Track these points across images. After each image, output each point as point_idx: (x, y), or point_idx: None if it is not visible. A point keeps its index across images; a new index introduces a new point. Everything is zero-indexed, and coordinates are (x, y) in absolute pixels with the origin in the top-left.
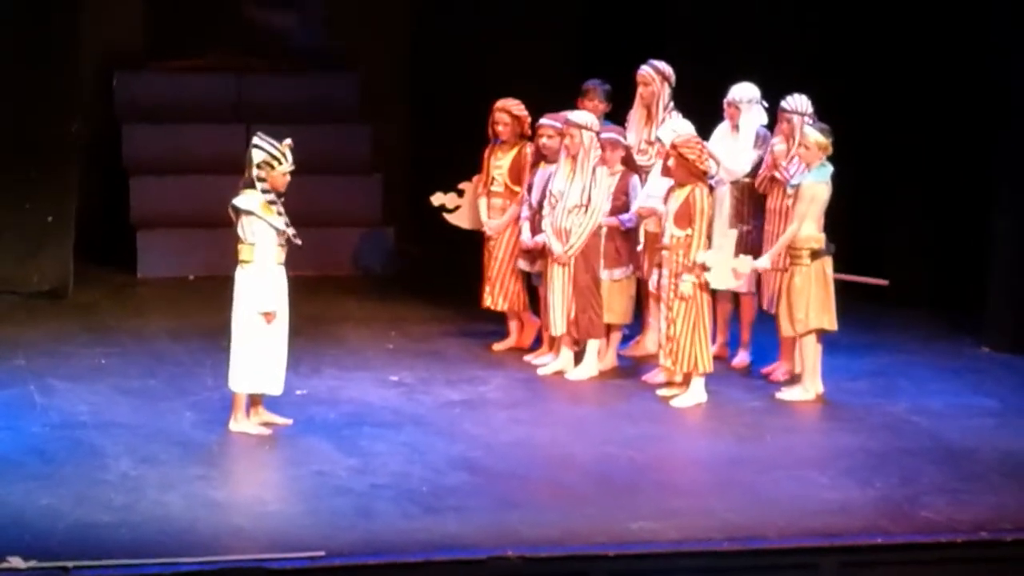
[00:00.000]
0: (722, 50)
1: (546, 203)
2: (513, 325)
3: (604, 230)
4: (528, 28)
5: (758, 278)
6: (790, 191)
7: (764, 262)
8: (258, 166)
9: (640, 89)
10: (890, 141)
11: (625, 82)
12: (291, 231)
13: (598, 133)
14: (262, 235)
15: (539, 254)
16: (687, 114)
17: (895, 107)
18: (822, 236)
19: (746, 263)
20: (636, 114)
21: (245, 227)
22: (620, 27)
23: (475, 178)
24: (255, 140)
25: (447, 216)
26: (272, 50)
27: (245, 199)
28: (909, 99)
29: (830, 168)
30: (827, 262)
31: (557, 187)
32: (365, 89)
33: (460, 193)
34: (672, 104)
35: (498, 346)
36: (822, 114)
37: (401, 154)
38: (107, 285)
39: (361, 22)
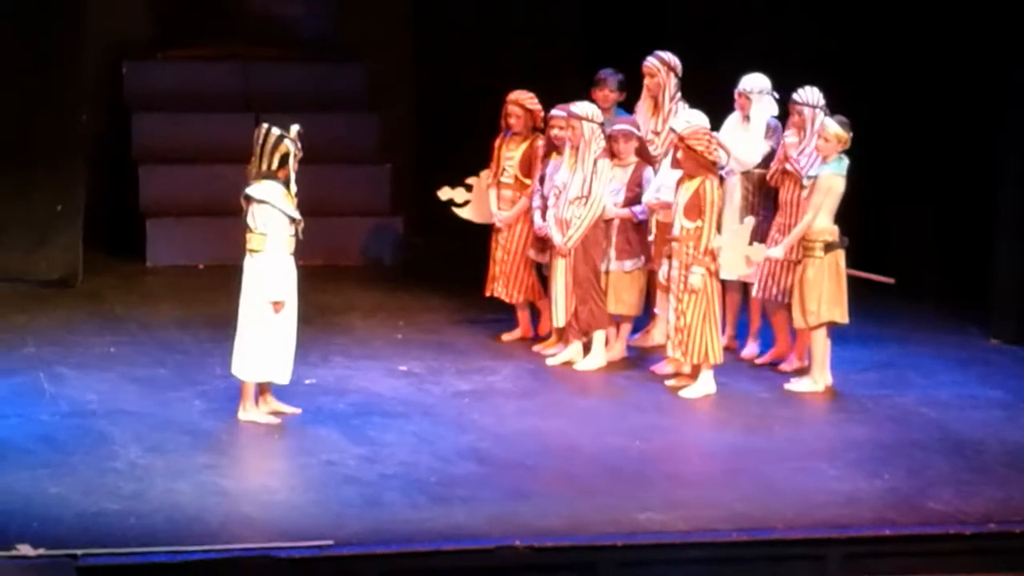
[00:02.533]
0: (728, 41)
1: (550, 194)
2: (522, 316)
3: (616, 222)
4: (534, 18)
5: (761, 268)
6: (806, 183)
7: (778, 252)
8: (283, 157)
9: (646, 80)
10: (896, 133)
11: (631, 73)
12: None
13: (602, 124)
14: (276, 224)
15: (549, 244)
16: (695, 105)
17: (901, 99)
18: (836, 229)
19: (759, 251)
20: (643, 105)
21: (257, 216)
22: (626, 18)
23: (483, 172)
24: (276, 132)
25: (456, 210)
26: (281, 39)
27: (262, 189)
28: (914, 91)
29: (847, 161)
30: (840, 255)
31: (560, 178)
32: (373, 78)
33: (468, 188)
34: (679, 95)
35: (507, 336)
36: (829, 105)
37: (409, 143)
38: (116, 274)
39: (369, 11)
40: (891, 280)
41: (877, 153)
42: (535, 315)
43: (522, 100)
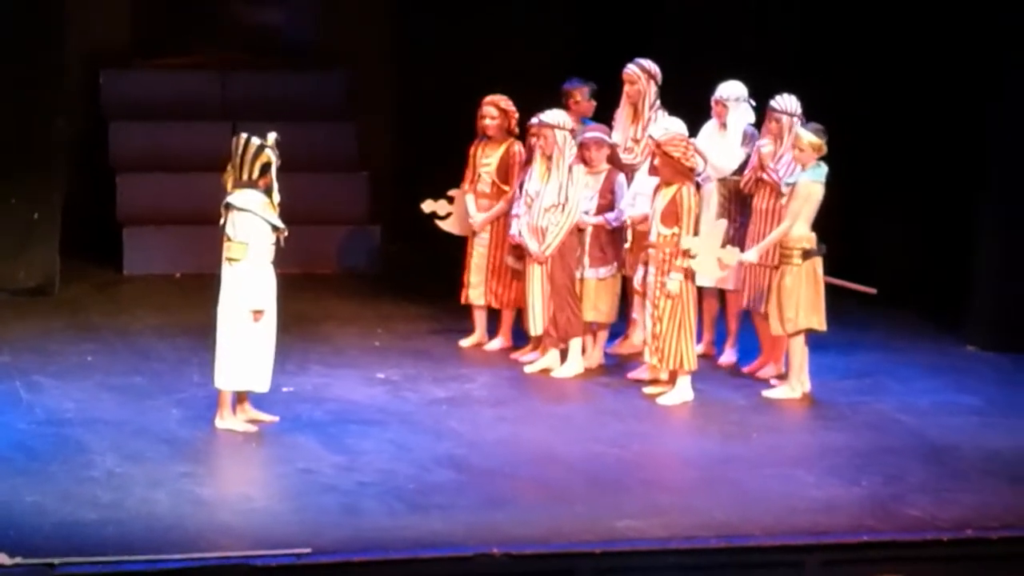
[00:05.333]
0: (709, 49)
1: (522, 203)
2: (478, 320)
3: (589, 229)
4: (515, 27)
5: (743, 275)
6: (784, 190)
7: (752, 255)
8: (263, 166)
9: (626, 88)
10: (875, 140)
11: (613, 81)
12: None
13: (574, 132)
14: (257, 233)
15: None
16: (673, 112)
17: (881, 106)
18: (813, 236)
19: (732, 255)
20: (623, 112)
21: (238, 225)
22: (608, 26)
23: (464, 184)
24: (256, 141)
25: (439, 223)
26: (258, 47)
27: (243, 198)
28: (895, 98)
29: (825, 168)
30: (817, 262)
31: (533, 187)
32: (351, 86)
33: (450, 200)
34: (659, 102)
35: (464, 342)
36: (808, 113)
37: (387, 152)
38: (93, 282)
39: (348, 19)
40: (873, 291)
41: (856, 162)
42: (495, 322)
43: (497, 101)
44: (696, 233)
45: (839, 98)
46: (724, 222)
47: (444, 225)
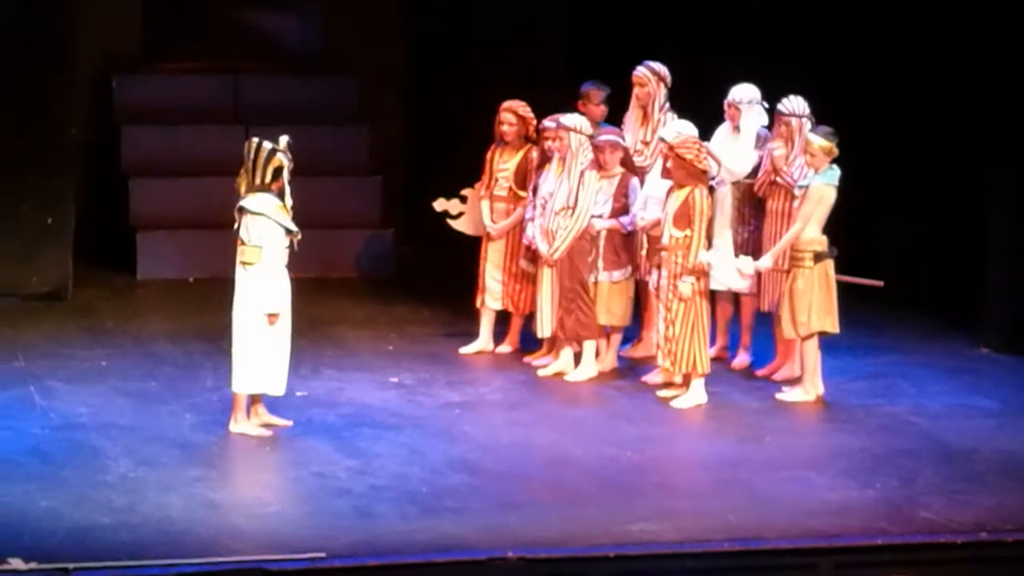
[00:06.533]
0: (715, 52)
1: (537, 204)
2: (484, 325)
3: (603, 233)
4: (524, 30)
5: (758, 279)
6: (798, 192)
7: (766, 262)
8: (276, 170)
9: (636, 90)
10: (886, 140)
11: (620, 84)
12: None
13: (591, 136)
14: (271, 237)
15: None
16: (682, 115)
17: (891, 106)
18: (825, 239)
19: (748, 263)
20: (632, 115)
21: (251, 229)
22: (615, 29)
23: (477, 184)
24: (268, 145)
25: (450, 222)
26: (270, 52)
27: (257, 201)
28: (905, 98)
29: (838, 171)
30: (829, 265)
31: (547, 188)
32: (363, 91)
33: (463, 199)
34: (668, 105)
35: (466, 349)
36: (817, 115)
37: (399, 156)
38: (106, 287)
39: (359, 24)
40: (880, 283)
41: (868, 163)
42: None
43: (515, 108)
44: (709, 236)
45: (847, 97)
46: (729, 232)
47: (456, 224)
